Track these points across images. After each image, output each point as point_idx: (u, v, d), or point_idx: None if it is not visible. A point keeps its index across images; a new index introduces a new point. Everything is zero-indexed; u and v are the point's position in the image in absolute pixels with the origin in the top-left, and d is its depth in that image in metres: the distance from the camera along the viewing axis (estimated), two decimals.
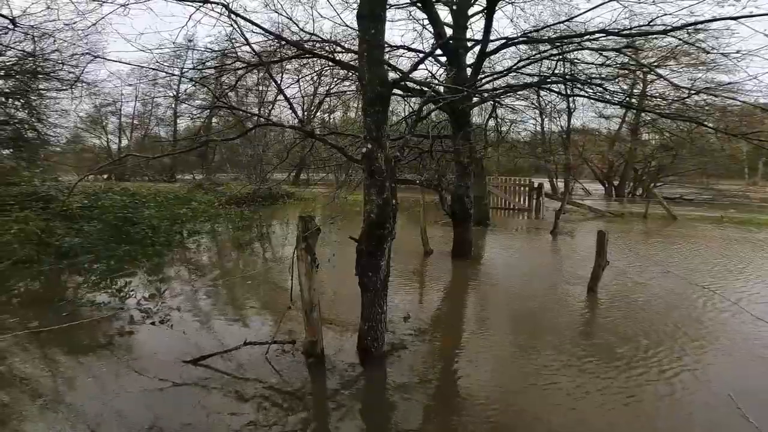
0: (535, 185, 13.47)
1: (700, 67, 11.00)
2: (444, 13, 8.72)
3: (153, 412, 2.62)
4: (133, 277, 5.65)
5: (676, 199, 16.20)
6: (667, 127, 14.77)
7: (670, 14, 6.12)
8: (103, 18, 4.86)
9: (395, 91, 7.76)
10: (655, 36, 6.87)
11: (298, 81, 13.11)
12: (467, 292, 5.51)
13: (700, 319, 4.27)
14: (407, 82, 5.73)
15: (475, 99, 7.34)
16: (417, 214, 7.61)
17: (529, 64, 7.53)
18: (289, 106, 3.46)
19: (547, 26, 7.88)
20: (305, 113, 24.80)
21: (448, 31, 7.65)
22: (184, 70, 11.57)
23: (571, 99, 15.92)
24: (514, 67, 7.41)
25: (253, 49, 3.71)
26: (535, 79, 7.69)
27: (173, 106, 24.49)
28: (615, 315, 4.47)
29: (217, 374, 3.10)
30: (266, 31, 4.58)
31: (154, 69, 5.84)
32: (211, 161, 25.58)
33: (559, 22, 7.54)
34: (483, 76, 7.82)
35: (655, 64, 10.59)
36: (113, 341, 3.68)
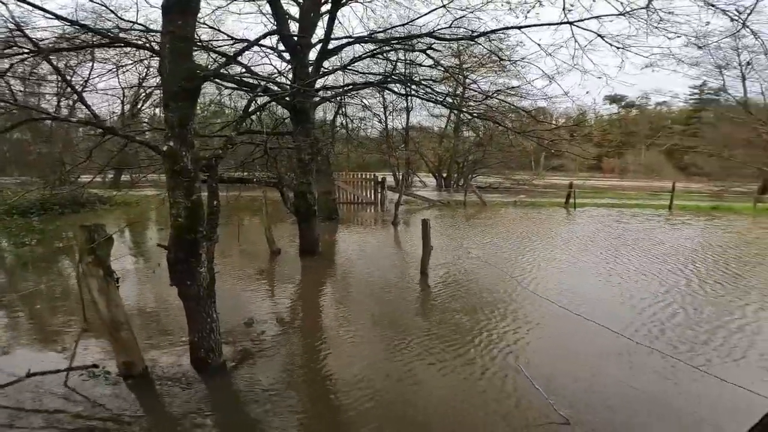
0: (379, 179, 14.50)
1: (500, 73, 13.55)
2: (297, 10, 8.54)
3: None
4: None
5: (486, 188, 19.71)
6: (479, 125, 17.81)
7: (460, 14, 7.24)
8: None
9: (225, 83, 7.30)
10: (471, 42, 8.12)
11: (115, 71, 11.02)
12: (314, 288, 5.59)
13: (503, 298, 5.04)
14: (244, 77, 5.40)
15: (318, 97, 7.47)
16: (269, 214, 7.38)
17: (355, 62, 7.97)
18: (79, 99, 2.91)
19: (390, 27, 8.49)
20: (126, 106, 21.04)
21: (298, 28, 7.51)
22: None
23: (409, 99, 17.65)
24: (347, 65, 7.83)
25: (24, 34, 2.97)
26: (379, 78, 8.22)
27: None
28: (441, 294, 5.17)
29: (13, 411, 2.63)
30: (55, 15, 3.70)
31: None
32: None
33: (398, 25, 8.19)
34: (323, 73, 7.99)
35: (472, 68, 12.60)
36: None
